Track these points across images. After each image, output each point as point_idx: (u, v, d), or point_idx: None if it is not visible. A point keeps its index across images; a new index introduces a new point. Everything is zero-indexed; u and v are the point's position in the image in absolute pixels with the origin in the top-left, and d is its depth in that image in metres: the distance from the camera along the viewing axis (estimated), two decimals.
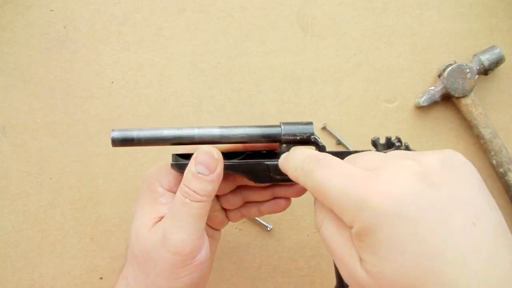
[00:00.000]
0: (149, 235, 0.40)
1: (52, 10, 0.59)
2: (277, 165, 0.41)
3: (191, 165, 0.40)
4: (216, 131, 0.41)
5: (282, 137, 0.42)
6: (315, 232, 0.59)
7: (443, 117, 0.61)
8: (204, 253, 0.41)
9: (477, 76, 0.58)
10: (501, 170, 0.58)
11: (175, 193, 0.41)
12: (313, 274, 0.58)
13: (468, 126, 0.60)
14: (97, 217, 0.59)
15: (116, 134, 0.40)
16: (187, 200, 0.39)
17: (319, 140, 0.42)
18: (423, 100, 0.58)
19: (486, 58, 0.58)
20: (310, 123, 0.42)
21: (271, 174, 0.42)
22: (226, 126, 0.42)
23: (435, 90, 0.58)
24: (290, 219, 0.59)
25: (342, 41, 0.60)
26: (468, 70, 0.58)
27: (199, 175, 0.39)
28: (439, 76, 0.59)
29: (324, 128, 0.60)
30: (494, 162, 0.58)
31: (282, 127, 0.42)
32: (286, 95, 0.60)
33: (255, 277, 0.58)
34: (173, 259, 0.39)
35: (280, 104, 0.60)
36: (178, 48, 0.59)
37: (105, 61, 0.59)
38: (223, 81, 0.59)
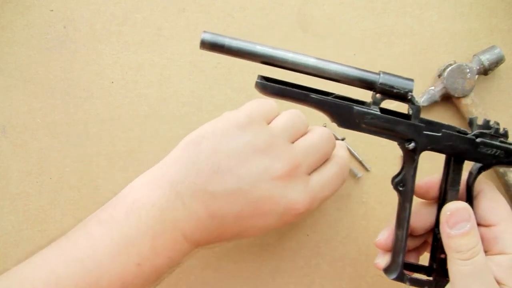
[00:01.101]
0: None
1: (52, 10, 0.59)
2: (364, 112, 0.41)
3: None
4: (311, 61, 0.39)
5: (378, 85, 0.40)
6: (315, 232, 0.59)
7: (443, 117, 0.60)
8: None
9: (477, 76, 0.58)
10: (501, 170, 0.58)
11: None
12: (313, 274, 0.58)
13: (468, 126, 0.60)
14: None
15: (207, 36, 0.39)
16: None
17: (415, 99, 0.41)
18: (423, 100, 0.59)
19: (486, 58, 0.58)
20: (411, 80, 0.40)
21: (357, 121, 0.41)
22: (323, 59, 0.40)
23: (435, 90, 0.58)
24: None
25: (342, 41, 0.60)
26: (468, 70, 0.58)
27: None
28: (439, 76, 0.59)
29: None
30: None
31: (381, 75, 0.40)
32: None
33: (255, 277, 0.58)
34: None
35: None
36: (178, 48, 0.59)
37: (105, 61, 0.59)
38: (223, 81, 0.59)
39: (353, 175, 0.58)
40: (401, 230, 0.43)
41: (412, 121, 0.42)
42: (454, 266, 0.39)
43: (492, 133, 0.42)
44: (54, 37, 0.59)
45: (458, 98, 0.58)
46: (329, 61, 0.40)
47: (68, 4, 0.59)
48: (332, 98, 0.41)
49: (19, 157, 0.58)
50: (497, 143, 0.42)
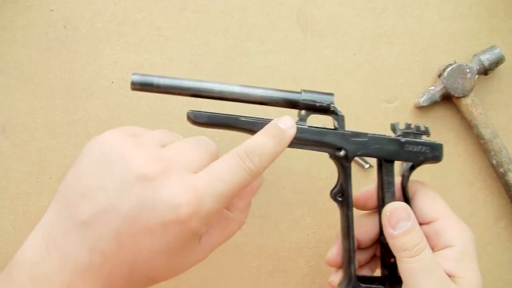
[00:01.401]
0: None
1: (52, 10, 0.59)
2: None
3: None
4: (236, 89, 0.42)
5: (301, 102, 0.42)
6: (315, 232, 0.59)
7: (443, 117, 0.61)
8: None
9: (477, 76, 0.58)
10: (501, 170, 0.58)
11: None
12: (313, 274, 0.58)
13: (468, 126, 0.60)
14: None
15: (137, 78, 0.40)
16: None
17: (338, 109, 0.43)
18: (423, 100, 0.59)
19: (486, 58, 0.58)
20: (331, 94, 0.43)
21: None
22: (247, 85, 0.42)
23: (435, 90, 0.58)
24: (290, 219, 0.59)
25: (342, 41, 0.60)
26: (468, 70, 0.58)
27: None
28: (439, 76, 0.59)
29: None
30: (494, 162, 0.58)
31: (302, 93, 0.42)
32: None
33: (255, 277, 0.58)
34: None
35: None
36: (178, 48, 0.59)
37: (105, 61, 0.59)
38: (223, 81, 0.59)
39: (361, 166, 0.59)
40: (348, 240, 0.44)
41: (339, 130, 0.44)
42: (403, 265, 0.40)
43: (415, 131, 0.44)
44: (54, 37, 0.59)
45: (458, 98, 0.58)
46: (253, 87, 0.42)
47: (68, 4, 0.59)
48: (262, 119, 0.42)
49: (19, 157, 0.58)
50: (421, 140, 0.44)
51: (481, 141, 0.59)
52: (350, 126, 0.61)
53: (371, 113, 0.60)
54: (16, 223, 0.58)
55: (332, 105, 0.43)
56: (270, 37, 0.60)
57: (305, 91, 0.43)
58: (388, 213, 0.42)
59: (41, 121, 0.59)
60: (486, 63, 0.58)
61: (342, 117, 0.43)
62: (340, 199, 0.44)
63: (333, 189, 0.45)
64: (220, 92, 0.41)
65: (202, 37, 0.59)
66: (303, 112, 0.43)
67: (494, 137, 0.58)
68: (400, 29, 0.60)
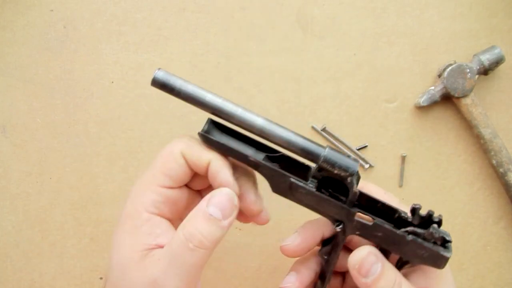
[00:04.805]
0: (138, 272, 0.35)
1: (52, 10, 0.59)
2: (299, 186, 0.38)
3: (203, 204, 0.35)
4: (259, 122, 0.37)
5: (321, 159, 0.36)
6: None
7: (443, 117, 0.61)
8: None
9: (477, 76, 0.58)
10: (501, 170, 0.58)
11: (163, 217, 0.37)
12: None
13: (468, 126, 0.60)
14: (97, 217, 0.59)
15: (161, 75, 0.37)
16: (191, 245, 0.34)
17: (354, 185, 0.37)
18: (423, 100, 0.59)
19: (486, 58, 0.58)
20: (357, 161, 0.37)
21: (291, 191, 0.38)
22: (271, 120, 0.38)
23: (435, 90, 0.58)
24: (290, 219, 0.59)
25: (342, 41, 0.60)
26: (468, 70, 0.58)
27: (211, 217, 0.35)
28: (439, 76, 0.59)
29: (324, 129, 0.60)
30: (494, 162, 0.58)
31: (327, 149, 0.37)
32: (286, 95, 0.60)
33: (255, 277, 0.58)
34: None
35: (280, 104, 0.60)
36: (178, 48, 0.59)
37: (105, 61, 0.59)
38: (223, 81, 0.59)
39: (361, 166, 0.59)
40: None
41: (347, 205, 0.38)
42: None
43: (426, 235, 0.38)
44: (54, 37, 0.59)
45: (458, 98, 0.58)
46: (277, 125, 0.37)
47: (68, 4, 0.59)
48: (271, 164, 0.39)
49: (19, 157, 0.58)
50: (427, 245, 0.38)
51: (481, 141, 0.59)
52: (351, 126, 0.61)
53: (371, 113, 0.60)
54: (16, 223, 0.58)
55: (351, 177, 0.36)
56: (270, 37, 0.60)
57: (330, 148, 0.37)
58: (357, 266, 0.38)
59: (41, 121, 0.59)
60: (486, 63, 0.58)
61: (354, 193, 0.37)
62: (325, 257, 0.42)
63: (321, 248, 0.42)
64: (241, 120, 0.37)
65: (202, 37, 0.59)
66: (317, 170, 0.37)
67: (494, 137, 0.58)
68: (400, 29, 0.60)
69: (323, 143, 0.60)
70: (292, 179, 0.38)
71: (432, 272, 0.40)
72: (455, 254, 0.62)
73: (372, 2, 0.60)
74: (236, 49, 0.60)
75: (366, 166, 0.60)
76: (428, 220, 0.38)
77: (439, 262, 0.38)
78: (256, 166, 0.38)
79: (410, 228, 0.38)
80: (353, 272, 0.38)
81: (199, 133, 0.38)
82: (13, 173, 0.58)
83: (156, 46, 0.59)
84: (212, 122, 0.39)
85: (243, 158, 0.38)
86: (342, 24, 0.60)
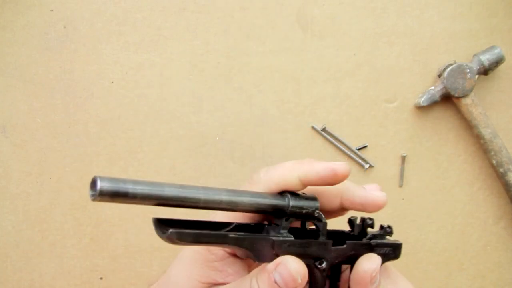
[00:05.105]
0: None
1: (52, 10, 0.59)
2: (282, 241, 0.37)
3: (271, 267, 0.35)
4: (224, 197, 0.35)
5: (289, 209, 0.37)
6: None
7: (443, 117, 0.61)
8: None
9: (477, 76, 0.58)
10: (501, 170, 0.58)
11: (237, 258, 0.38)
12: None
13: (468, 126, 0.60)
14: (97, 217, 0.59)
15: (106, 185, 0.30)
16: None
17: (323, 217, 0.39)
18: (423, 100, 0.59)
19: (486, 58, 0.58)
20: (315, 198, 0.39)
21: (274, 252, 0.37)
22: (234, 190, 0.36)
23: (435, 90, 0.58)
24: None
25: (342, 41, 0.60)
26: (468, 70, 0.58)
27: (275, 284, 0.34)
28: (439, 76, 0.59)
29: (324, 129, 0.59)
30: (494, 162, 0.58)
31: (288, 196, 0.38)
32: (286, 95, 0.60)
33: None
34: None
35: (280, 104, 0.60)
36: (178, 48, 0.59)
37: (105, 61, 0.59)
38: (223, 81, 0.59)
39: (361, 166, 0.59)
40: None
41: (321, 238, 0.39)
42: None
43: (382, 233, 0.41)
44: (54, 37, 0.59)
45: (458, 98, 0.58)
46: (240, 192, 0.36)
47: (68, 4, 0.59)
48: (251, 234, 0.37)
49: (19, 157, 0.58)
50: (386, 241, 0.41)
51: (481, 141, 0.59)
52: (351, 126, 0.61)
53: (371, 113, 0.60)
54: (16, 223, 0.58)
55: (317, 211, 0.38)
56: (270, 37, 0.60)
57: (291, 194, 0.38)
58: (374, 273, 0.38)
59: (41, 121, 0.59)
60: (486, 63, 0.58)
61: (326, 224, 0.39)
62: None
63: None
64: (206, 202, 0.34)
65: (202, 37, 0.59)
66: (285, 219, 0.38)
67: (494, 137, 0.58)
68: (400, 29, 0.60)
69: (323, 143, 0.60)
70: (273, 238, 0.37)
71: (385, 270, 0.41)
72: (455, 254, 0.62)
73: (372, 2, 0.60)
74: (236, 49, 0.60)
75: (366, 166, 0.59)
76: (363, 227, 0.41)
77: (397, 251, 0.41)
78: (237, 241, 0.36)
79: (370, 235, 0.41)
80: (365, 280, 0.38)
81: (170, 232, 0.33)
82: (13, 173, 0.58)
83: (156, 46, 0.59)
84: (158, 221, 0.34)
85: (223, 239, 0.35)
86: (342, 24, 0.60)
